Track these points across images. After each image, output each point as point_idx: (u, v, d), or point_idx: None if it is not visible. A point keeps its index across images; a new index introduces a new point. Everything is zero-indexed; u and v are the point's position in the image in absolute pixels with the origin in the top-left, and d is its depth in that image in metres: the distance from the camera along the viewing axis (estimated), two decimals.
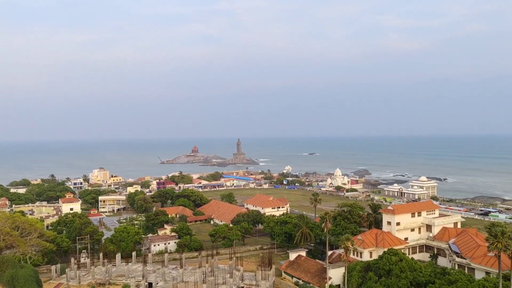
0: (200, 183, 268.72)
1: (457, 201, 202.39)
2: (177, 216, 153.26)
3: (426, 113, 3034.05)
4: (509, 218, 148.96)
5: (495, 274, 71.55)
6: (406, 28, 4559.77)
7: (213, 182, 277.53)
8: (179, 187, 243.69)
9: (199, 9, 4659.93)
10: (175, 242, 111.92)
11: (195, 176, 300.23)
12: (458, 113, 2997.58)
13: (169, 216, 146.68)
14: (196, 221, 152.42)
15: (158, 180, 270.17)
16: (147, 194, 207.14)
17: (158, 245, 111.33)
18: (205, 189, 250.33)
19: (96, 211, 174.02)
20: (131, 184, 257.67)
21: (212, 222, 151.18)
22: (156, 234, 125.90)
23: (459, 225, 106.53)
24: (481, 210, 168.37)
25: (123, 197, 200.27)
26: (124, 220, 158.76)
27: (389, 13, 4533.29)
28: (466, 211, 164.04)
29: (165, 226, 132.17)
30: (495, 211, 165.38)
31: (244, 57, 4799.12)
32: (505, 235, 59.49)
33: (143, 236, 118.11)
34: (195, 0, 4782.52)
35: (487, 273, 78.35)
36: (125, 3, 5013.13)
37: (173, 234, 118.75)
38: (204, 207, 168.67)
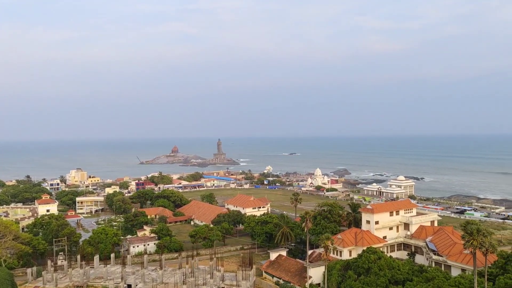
0: (180, 183, 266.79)
1: (434, 200, 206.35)
2: (157, 217, 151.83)
3: (406, 114, 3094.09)
4: (484, 216, 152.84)
5: (471, 271, 73.27)
6: (385, 30, 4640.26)
7: (194, 183, 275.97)
8: (159, 187, 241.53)
9: (179, 8, 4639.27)
10: (154, 243, 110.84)
11: (175, 177, 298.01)
12: (435, 113, 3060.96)
13: (149, 217, 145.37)
14: (176, 222, 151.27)
15: (137, 181, 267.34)
16: (126, 195, 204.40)
17: (137, 246, 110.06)
18: (185, 190, 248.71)
19: (73, 213, 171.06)
20: (109, 185, 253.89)
21: (192, 223, 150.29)
22: (135, 236, 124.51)
23: (436, 224, 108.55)
24: (457, 209, 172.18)
25: (101, 198, 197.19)
26: (102, 222, 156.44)
27: (369, 15, 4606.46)
28: (442, 210, 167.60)
29: (145, 227, 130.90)
30: (471, 210, 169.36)
31: (226, 57, 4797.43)
32: (480, 232, 60.80)
33: (122, 237, 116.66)
34: None
35: (463, 270, 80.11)
36: (103, 1, 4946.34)
37: (152, 235, 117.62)
38: (184, 207, 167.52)
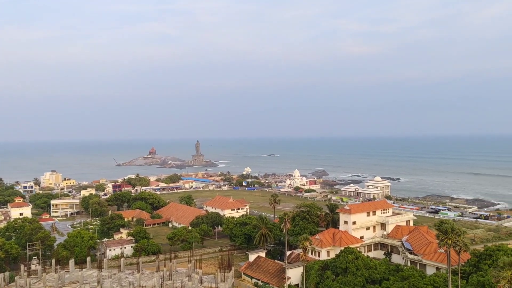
0: (158, 185, 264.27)
1: (409, 200, 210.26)
2: (134, 219, 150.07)
3: (382, 115, 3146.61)
4: (457, 216, 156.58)
5: (445, 270, 74.96)
6: (362, 32, 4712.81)
7: (172, 184, 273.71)
8: (136, 190, 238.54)
9: (156, 8, 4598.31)
10: (131, 246, 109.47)
11: (152, 179, 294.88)
12: (410, 115, 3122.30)
13: (126, 219, 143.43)
14: (153, 224, 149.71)
15: (113, 183, 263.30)
16: (102, 197, 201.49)
17: (114, 249, 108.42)
18: (163, 192, 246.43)
19: (48, 216, 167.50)
20: (85, 187, 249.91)
21: (170, 225, 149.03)
22: (111, 239, 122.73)
23: (411, 223, 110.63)
24: (432, 208, 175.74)
25: (77, 201, 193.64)
26: (78, 225, 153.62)
27: (346, 18, 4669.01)
28: (417, 210, 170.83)
29: (121, 230, 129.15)
30: (445, 209, 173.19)
31: (205, 58, 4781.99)
32: (454, 231, 62.26)
33: (98, 240, 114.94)
34: None
35: (438, 268, 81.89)
36: (76, 0, 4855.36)
37: (129, 238, 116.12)
38: (162, 209, 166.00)
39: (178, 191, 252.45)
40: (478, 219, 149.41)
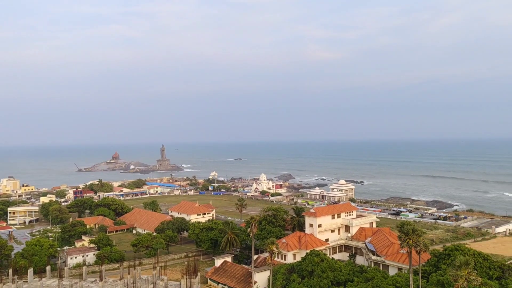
0: (121, 191, 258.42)
1: (372, 202, 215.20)
2: (96, 226, 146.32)
3: (343, 120, 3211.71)
4: (418, 217, 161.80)
5: (407, 270, 77.18)
6: (325, 38, 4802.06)
7: (136, 190, 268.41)
8: (99, 196, 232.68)
9: (119, 10, 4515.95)
10: (94, 254, 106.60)
11: (116, 184, 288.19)
12: (368, 120, 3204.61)
13: (88, 226, 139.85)
14: (117, 231, 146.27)
15: (75, 189, 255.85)
16: (63, 204, 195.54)
17: (76, 257, 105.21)
18: (127, 198, 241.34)
19: (4, 224, 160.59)
20: (44, 194, 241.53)
21: (134, 232, 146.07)
22: (73, 246, 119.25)
23: (374, 225, 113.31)
24: (394, 210, 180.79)
25: (36, 208, 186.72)
26: (37, 233, 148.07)
27: (309, 24, 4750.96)
28: (380, 212, 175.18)
29: (83, 237, 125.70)
30: (406, 211, 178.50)
31: (169, 61, 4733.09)
32: (415, 232, 64.33)
33: (59, 249, 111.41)
34: (114, 0, 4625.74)
35: (400, 269, 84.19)
36: (33, 0, 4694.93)
37: (92, 245, 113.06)
38: (126, 216, 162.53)
39: (143, 196, 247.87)
40: (437, 220, 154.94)
